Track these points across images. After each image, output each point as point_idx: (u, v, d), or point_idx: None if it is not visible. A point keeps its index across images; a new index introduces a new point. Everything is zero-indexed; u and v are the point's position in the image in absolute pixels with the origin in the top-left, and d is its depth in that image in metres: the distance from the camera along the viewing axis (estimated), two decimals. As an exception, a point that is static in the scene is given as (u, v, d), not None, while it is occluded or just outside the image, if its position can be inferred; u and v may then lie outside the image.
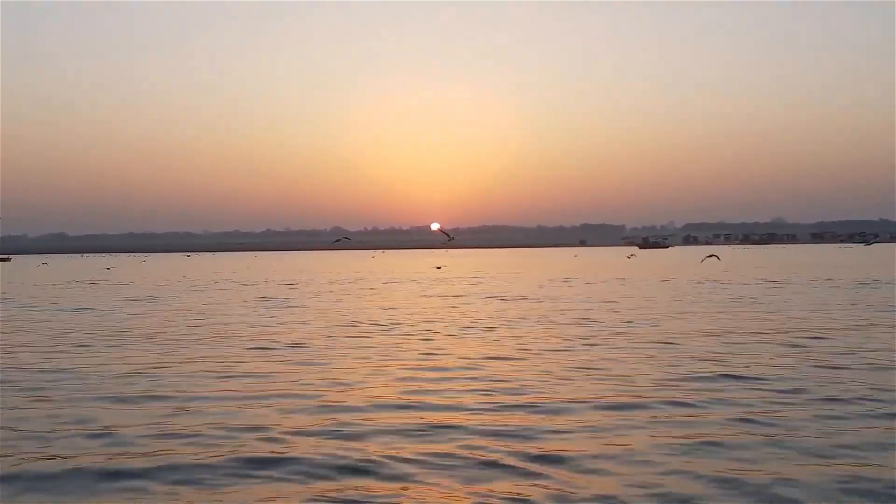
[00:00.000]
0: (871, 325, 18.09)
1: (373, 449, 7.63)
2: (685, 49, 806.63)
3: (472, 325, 19.48)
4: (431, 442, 7.87)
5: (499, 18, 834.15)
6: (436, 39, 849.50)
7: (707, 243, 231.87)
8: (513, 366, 12.71)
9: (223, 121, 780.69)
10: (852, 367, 12.13)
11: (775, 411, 9.07)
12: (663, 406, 9.43)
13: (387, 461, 7.21)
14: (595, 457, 7.27)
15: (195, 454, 7.47)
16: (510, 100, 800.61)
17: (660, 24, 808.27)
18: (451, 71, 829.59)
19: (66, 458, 7.42)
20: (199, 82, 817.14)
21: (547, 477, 6.74)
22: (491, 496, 6.28)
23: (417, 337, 16.93)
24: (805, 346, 14.50)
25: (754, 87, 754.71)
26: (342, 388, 10.82)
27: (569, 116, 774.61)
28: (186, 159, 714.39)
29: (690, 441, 7.80)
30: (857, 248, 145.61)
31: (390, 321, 20.63)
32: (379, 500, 6.24)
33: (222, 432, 8.29)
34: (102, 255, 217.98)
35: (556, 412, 9.13)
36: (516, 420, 8.77)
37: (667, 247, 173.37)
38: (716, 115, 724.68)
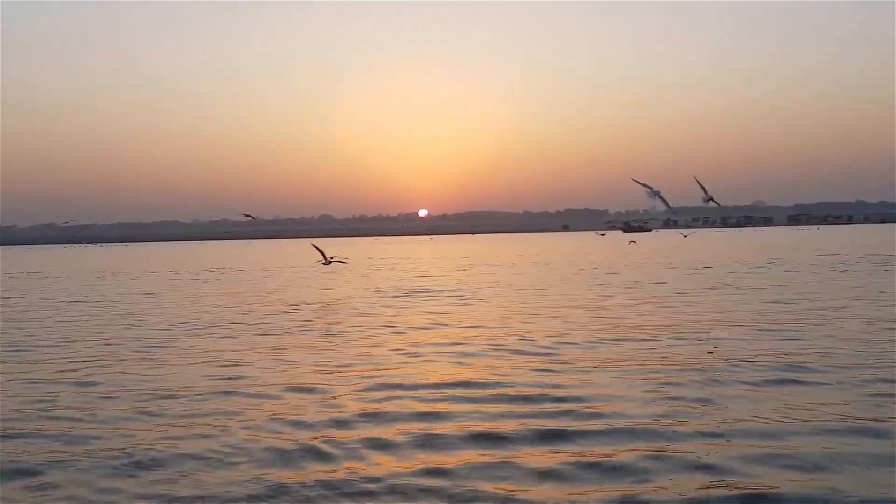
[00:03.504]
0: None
1: None
2: (665, 36, 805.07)
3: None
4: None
5: (484, 10, 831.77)
6: (423, 30, 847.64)
7: (686, 226, 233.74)
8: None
9: (211, 111, 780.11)
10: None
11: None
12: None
13: None
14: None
15: None
16: (495, 89, 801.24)
17: (639, 13, 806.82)
18: (437, 60, 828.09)
19: None
20: (185, 74, 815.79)
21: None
22: None
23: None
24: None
25: (733, 75, 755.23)
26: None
27: (552, 104, 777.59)
28: (174, 149, 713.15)
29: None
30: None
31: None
32: None
33: None
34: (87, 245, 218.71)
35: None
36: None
37: (649, 230, 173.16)
38: (695, 100, 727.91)
